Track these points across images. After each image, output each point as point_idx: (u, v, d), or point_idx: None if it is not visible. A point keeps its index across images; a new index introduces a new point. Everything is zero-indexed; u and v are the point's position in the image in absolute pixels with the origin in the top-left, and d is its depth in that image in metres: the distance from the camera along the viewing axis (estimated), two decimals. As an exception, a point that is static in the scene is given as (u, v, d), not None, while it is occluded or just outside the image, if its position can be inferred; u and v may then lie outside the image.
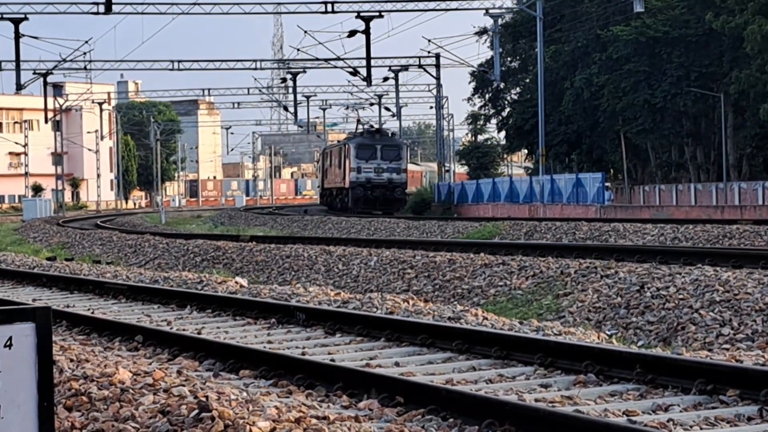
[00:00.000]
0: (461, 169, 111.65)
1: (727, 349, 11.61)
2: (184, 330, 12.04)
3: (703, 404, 7.51)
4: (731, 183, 56.75)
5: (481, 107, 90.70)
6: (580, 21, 70.99)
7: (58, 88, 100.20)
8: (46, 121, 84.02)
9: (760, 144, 62.89)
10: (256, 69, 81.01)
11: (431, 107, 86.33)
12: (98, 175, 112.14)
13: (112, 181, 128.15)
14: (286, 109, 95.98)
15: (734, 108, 62.80)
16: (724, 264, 17.18)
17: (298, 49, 71.56)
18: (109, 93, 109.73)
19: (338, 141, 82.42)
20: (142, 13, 57.56)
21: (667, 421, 6.91)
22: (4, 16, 57.39)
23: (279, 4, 61.59)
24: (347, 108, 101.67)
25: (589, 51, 68.90)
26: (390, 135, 69.31)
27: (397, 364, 9.50)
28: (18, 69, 61.01)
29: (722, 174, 60.71)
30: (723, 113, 60.75)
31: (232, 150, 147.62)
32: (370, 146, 64.72)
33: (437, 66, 72.60)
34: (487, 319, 12.00)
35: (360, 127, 75.32)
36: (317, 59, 70.49)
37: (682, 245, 24.17)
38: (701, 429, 6.85)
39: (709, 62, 62.34)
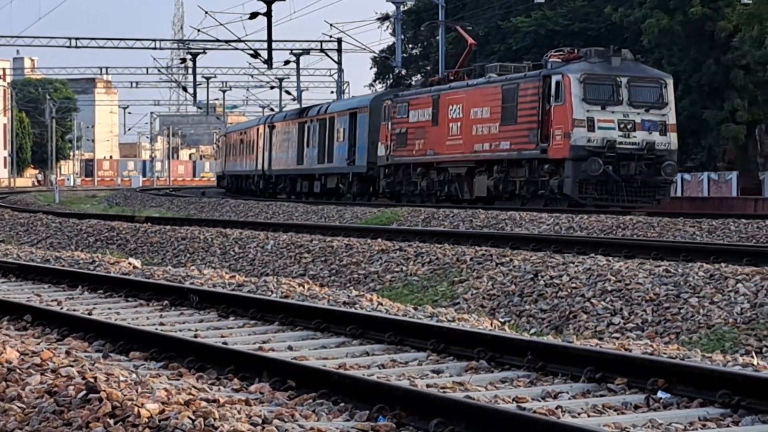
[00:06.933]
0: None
1: (617, 338, 11.76)
2: (74, 310, 11.86)
3: (592, 392, 7.59)
4: (626, 175, 57.49)
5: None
6: (482, 9, 71.37)
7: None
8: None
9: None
10: (155, 48, 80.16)
11: (332, 92, 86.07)
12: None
13: (5, 158, 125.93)
14: (185, 89, 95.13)
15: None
16: (617, 254, 17.40)
17: (199, 30, 71.00)
18: (4, 69, 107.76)
19: (471, 71, 42.33)
20: (40, -12, 56.63)
21: (556, 408, 6.97)
22: None
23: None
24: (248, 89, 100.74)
25: (489, 40, 69.31)
26: (635, 59, 37.62)
27: (290, 348, 9.46)
28: None
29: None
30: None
31: (129, 130, 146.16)
32: (608, 79, 34.81)
33: (339, 51, 72.50)
34: (382, 304, 12.00)
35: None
36: (218, 40, 70.00)
37: (576, 234, 24.43)
38: (589, 416, 6.92)
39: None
